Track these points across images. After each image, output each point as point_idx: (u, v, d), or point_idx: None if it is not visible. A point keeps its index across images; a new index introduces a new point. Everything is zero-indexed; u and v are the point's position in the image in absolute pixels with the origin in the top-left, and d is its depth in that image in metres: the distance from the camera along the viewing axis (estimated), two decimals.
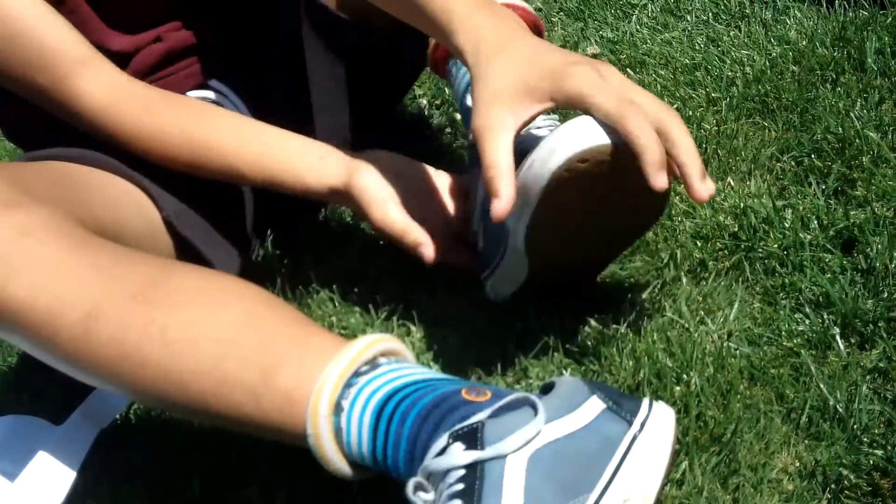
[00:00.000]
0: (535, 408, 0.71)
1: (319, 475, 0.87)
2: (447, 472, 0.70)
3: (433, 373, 0.78)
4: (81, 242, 0.83)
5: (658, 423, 0.73)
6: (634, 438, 0.72)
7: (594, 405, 0.73)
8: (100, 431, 0.94)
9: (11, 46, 1.01)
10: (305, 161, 1.02)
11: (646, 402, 0.75)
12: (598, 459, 0.70)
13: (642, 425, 0.73)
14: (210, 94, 1.21)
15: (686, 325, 0.90)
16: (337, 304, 1.08)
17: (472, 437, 0.70)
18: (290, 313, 0.82)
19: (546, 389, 0.75)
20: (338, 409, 0.75)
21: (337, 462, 0.76)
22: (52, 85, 1.03)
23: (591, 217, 0.86)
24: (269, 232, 1.24)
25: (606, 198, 0.83)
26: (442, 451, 0.70)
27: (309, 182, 1.02)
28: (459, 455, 0.69)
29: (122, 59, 1.11)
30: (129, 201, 1.04)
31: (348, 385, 0.75)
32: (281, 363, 0.77)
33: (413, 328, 1.01)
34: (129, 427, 1.00)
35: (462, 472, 0.69)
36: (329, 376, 0.75)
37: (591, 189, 0.81)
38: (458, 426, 0.71)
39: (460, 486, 0.69)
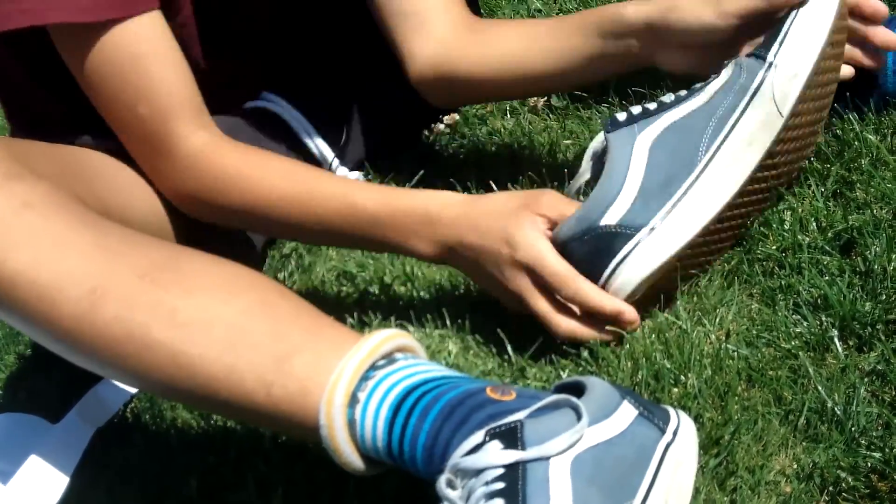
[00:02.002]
0: (577, 411, 0.70)
1: (317, 475, 0.87)
2: (482, 470, 0.68)
3: (451, 371, 0.77)
4: (85, 219, 0.80)
5: (687, 432, 0.73)
6: (668, 447, 0.71)
7: (628, 411, 0.72)
8: (96, 430, 0.94)
9: (132, 67, 0.96)
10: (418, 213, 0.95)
11: (672, 410, 0.75)
12: (636, 467, 0.69)
13: (675, 434, 0.72)
14: (265, 104, 1.20)
15: (684, 327, 0.90)
16: (334, 305, 1.08)
17: (510, 437, 0.68)
18: (302, 304, 0.81)
19: (560, 390, 0.74)
20: (353, 400, 0.74)
21: (349, 455, 0.74)
22: (152, 117, 0.97)
23: None
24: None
25: None
26: (475, 449, 0.69)
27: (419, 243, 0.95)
28: (497, 454, 0.68)
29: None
30: (137, 187, 1.03)
31: (365, 378, 0.74)
32: (295, 352, 0.75)
33: (411, 329, 1.01)
34: (126, 426, 1.00)
35: (500, 471, 0.68)
36: (346, 367, 0.74)
37: None
38: (494, 424, 0.69)
39: (500, 486, 0.67)
